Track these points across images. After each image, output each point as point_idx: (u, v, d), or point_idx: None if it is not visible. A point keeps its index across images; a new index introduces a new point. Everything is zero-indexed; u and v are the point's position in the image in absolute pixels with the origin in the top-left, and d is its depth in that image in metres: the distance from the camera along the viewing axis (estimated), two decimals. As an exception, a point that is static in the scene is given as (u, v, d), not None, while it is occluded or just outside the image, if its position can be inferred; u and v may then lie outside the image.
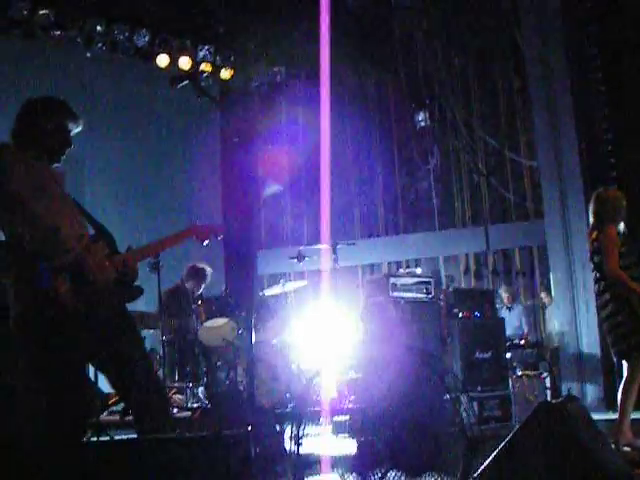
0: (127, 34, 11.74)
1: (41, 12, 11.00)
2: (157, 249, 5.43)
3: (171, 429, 4.73)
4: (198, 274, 10.36)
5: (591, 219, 7.13)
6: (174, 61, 12.06)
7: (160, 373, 9.36)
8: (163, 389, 4.88)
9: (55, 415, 4.29)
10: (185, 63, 12.13)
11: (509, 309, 12.85)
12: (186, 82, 4.74)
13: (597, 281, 7.02)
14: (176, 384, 9.58)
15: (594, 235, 7.01)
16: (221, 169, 14.08)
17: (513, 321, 12.72)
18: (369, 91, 14.41)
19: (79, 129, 4.83)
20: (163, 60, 12.07)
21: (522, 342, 12.51)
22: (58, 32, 11.21)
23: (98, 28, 11.45)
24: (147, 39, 11.96)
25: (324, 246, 9.53)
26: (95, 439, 6.99)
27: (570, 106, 10.91)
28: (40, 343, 4.31)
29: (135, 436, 4.42)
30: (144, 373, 4.63)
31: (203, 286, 10.45)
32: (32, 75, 11.09)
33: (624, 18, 10.48)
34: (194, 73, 11.30)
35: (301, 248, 10.16)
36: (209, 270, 10.48)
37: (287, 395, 9.14)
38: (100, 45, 11.55)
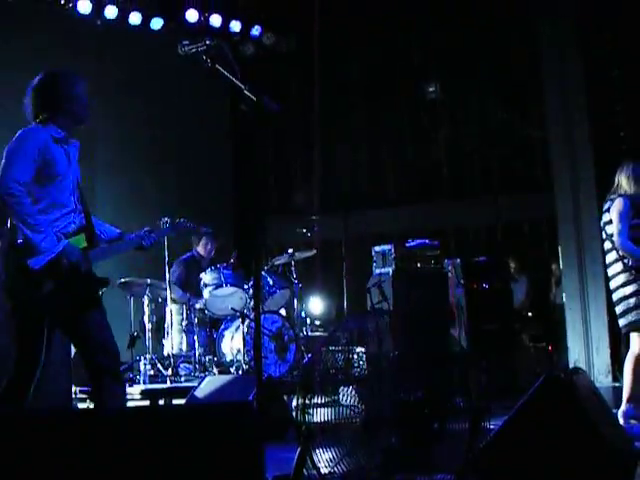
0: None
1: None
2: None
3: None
4: (209, 236, 10.37)
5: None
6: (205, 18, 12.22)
7: (168, 342, 9.42)
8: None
9: None
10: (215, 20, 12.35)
11: (516, 280, 12.83)
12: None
13: (608, 252, 6.99)
14: (183, 353, 9.63)
15: (607, 206, 6.98)
16: (233, 138, 14.07)
17: (520, 292, 12.72)
18: (379, 60, 14.34)
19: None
20: (192, 15, 12.17)
21: (529, 313, 12.52)
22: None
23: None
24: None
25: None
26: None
27: (582, 77, 10.85)
28: None
29: (143, 405, 4.47)
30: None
31: (215, 247, 10.46)
32: (42, 44, 11.04)
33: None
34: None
35: (313, 217, 10.24)
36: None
37: (294, 365, 9.19)
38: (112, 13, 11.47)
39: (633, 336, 6.90)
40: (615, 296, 6.96)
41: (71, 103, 4.96)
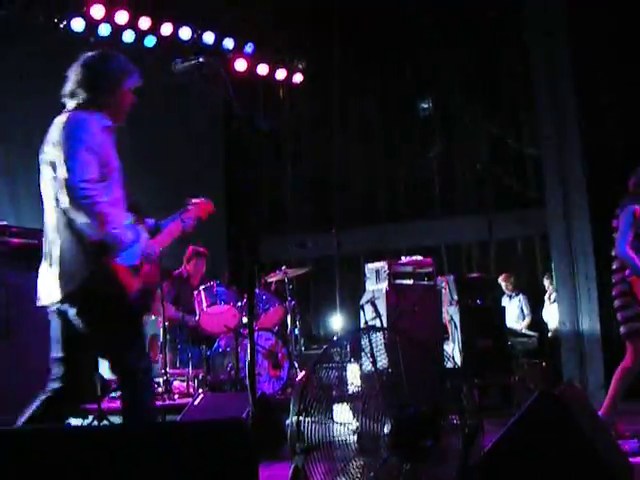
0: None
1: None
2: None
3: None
4: (200, 255, 10.38)
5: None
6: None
7: (161, 359, 9.40)
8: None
9: None
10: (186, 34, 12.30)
11: (510, 297, 12.85)
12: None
13: (614, 259, 6.96)
14: (177, 370, 9.61)
15: (618, 212, 6.94)
16: (226, 154, 14.09)
17: (514, 309, 12.74)
18: (372, 79, 14.39)
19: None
20: (186, 33, 12.18)
21: (523, 330, 12.53)
22: (59, 17, 11.16)
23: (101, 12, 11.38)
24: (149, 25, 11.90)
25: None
26: (96, 424, 7.03)
27: (573, 93, 10.89)
28: None
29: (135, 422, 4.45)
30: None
31: (204, 268, 10.46)
32: (34, 60, 11.05)
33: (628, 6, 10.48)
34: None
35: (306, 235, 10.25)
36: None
37: (288, 382, 9.17)
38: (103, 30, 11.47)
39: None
40: (616, 302, 6.95)
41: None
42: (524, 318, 12.82)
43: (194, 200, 5.20)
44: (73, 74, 4.69)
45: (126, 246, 4.42)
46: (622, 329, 6.90)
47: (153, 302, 4.84)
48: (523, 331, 12.51)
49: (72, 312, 4.43)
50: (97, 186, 4.36)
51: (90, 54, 4.75)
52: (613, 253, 6.95)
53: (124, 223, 4.48)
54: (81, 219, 4.34)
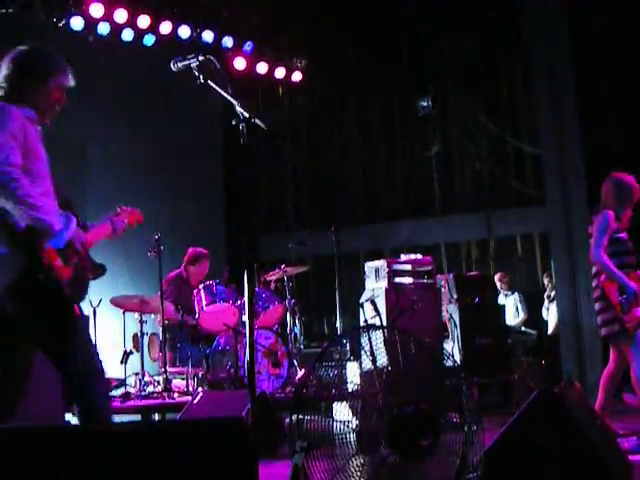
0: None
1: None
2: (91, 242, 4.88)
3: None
4: (203, 257, 10.36)
5: None
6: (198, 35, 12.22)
7: (161, 358, 9.39)
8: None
9: None
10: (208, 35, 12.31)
11: (506, 296, 12.87)
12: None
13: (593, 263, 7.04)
14: (176, 369, 9.61)
15: (592, 219, 7.04)
16: (224, 151, 14.08)
17: (510, 307, 12.76)
18: (371, 77, 14.39)
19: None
20: (185, 31, 12.14)
21: (522, 328, 12.55)
22: (59, 16, 11.15)
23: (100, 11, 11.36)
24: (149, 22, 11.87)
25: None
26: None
27: (573, 92, 10.89)
28: None
29: (134, 421, 4.44)
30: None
31: (207, 270, 10.45)
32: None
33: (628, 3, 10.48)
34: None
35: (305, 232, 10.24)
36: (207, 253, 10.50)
37: (288, 380, 9.18)
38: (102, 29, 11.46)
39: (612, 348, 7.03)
40: (596, 306, 7.04)
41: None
42: (522, 316, 12.84)
43: (124, 207, 5.14)
44: (2, 66, 4.60)
45: (56, 232, 4.33)
46: (602, 332, 6.97)
47: (85, 293, 4.60)
48: (522, 329, 12.53)
49: (11, 305, 4.33)
50: (22, 172, 4.24)
51: (22, 48, 4.65)
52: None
53: (54, 210, 4.37)
54: (6, 204, 4.23)
